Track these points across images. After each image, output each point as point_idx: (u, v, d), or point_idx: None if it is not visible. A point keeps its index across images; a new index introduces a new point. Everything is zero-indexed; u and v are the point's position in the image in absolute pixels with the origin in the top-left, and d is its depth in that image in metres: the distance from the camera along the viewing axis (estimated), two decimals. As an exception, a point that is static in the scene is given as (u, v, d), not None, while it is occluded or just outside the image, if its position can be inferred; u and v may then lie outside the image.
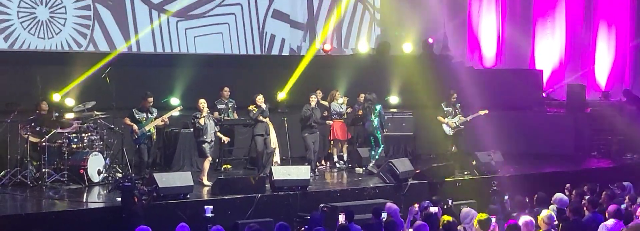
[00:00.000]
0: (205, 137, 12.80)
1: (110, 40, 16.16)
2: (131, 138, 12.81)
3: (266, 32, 18.18)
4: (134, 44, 16.51)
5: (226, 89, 14.58)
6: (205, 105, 12.87)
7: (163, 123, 12.94)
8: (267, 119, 13.72)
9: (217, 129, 13.16)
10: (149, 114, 12.83)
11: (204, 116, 12.75)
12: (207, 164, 12.89)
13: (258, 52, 18.06)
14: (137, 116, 12.73)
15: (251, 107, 13.58)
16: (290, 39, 18.58)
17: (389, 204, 10.71)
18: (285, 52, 18.53)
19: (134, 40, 16.45)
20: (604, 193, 11.21)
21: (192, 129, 13.42)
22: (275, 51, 18.34)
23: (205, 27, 17.34)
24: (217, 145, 13.62)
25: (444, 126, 14.92)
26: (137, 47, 16.58)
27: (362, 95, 15.34)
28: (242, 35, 17.84)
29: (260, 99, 13.58)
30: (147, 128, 12.70)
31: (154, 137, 12.95)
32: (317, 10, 18.98)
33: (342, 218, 9.87)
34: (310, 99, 13.99)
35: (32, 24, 15.34)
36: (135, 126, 12.66)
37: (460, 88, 15.24)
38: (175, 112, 13.16)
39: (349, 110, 15.14)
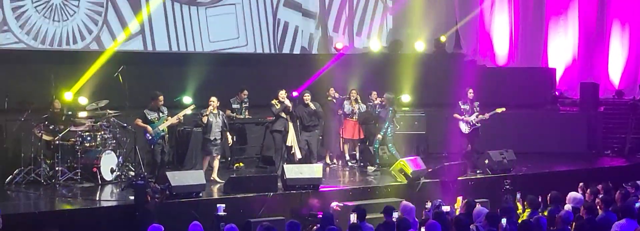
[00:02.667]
0: (207, 135, 12.85)
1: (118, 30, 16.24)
2: (145, 139, 12.72)
3: (279, 20, 18.25)
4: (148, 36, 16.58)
5: (245, 92, 14.63)
6: (214, 104, 12.88)
7: (178, 121, 12.94)
8: (287, 116, 13.76)
9: (226, 128, 13.14)
10: (161, 114, 12.83)
11: (206, 115, 12.77)
12: (206, 163, 12.96)
13: (271, 45, 18.12)
14: (149, 117, 12.68)
15: (274, 101, 13.64)
16: (303, 29, 18.61)
17: (404, 202, 10.69)
18: (296, 50, 18.56)
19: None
20: (618, 191, 11.16)
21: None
22: (287, 47, 18.38)
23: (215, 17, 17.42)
24: (225, 143, 13.65)
25: (461, 124, 14.79)
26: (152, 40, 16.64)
27: (374, 93, 15.32)
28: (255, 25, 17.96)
29: (282, 94, 13.66)
30: (160, 128, 12.69)
31: (167, 136, 12.95)
32: (328, 5, 19.02)
33: (353, 218, 9.86)
34: (304, 97, 13.99)
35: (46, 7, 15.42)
36: (149, 128, 12.59)
37: (473, 87, 15.16)
38: (188, 111, 13.15)
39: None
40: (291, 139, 13.86)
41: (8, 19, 14.96)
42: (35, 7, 15.24)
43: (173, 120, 12.79)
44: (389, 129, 14.30)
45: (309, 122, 14.03)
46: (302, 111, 14.00)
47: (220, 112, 13.07)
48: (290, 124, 13.86)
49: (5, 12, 14.92)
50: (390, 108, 14.40)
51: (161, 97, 12.77)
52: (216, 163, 12.99)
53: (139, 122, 12.68)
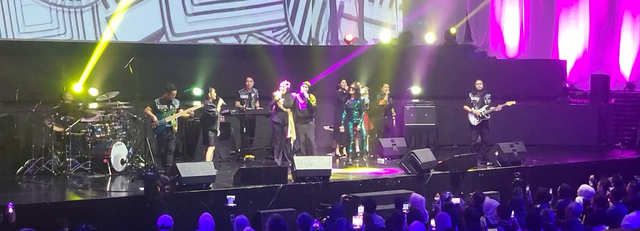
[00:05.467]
0: (214, 126, 13.07)
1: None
2: (151, 127, 12.89)
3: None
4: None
5: (249, 79, 14.61)
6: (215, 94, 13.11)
7: (189, 115, 13.07)
8: (287, 110, 13.74)
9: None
10: (171, 106, 12.89)
11: (220, 105, 12.91)
12: (211, 153, 13.12)
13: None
14: (158, 107, 12.80)
15: (276, 93, 13.69)
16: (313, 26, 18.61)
17: (414, 194, 10.69)
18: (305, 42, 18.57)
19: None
20: (629, 184, 11.13)
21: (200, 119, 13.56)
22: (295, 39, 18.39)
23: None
24: (235, 135, 13.69)
25: (470, 116, 14.71)
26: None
27: (386, 85, 15.32)
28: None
29: (283, 85, 13.66)
30: (167, 120, 12.75)
31: (175, 128, 12.99)
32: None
33: (361, 210, 9.86)
34: (302, 87, 13.95)
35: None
36: (154, 118, 12.72)
37: (483, 78, 15.13)
38: (199, 105, 13.22)
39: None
40: (291, 131, 13.83)
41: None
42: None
43: (182, 113, 12.87)
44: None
45: (304, 113, 13.98)
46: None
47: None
48: (290, 117, 13.82)
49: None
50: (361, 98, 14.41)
51: (174, 91, 12.90)
52: (210, 154, 13.26)
53: (148, 111, 12.82)
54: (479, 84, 14.66)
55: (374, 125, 15.35)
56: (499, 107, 14.58)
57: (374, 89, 15.35)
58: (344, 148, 15.17)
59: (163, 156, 12.81)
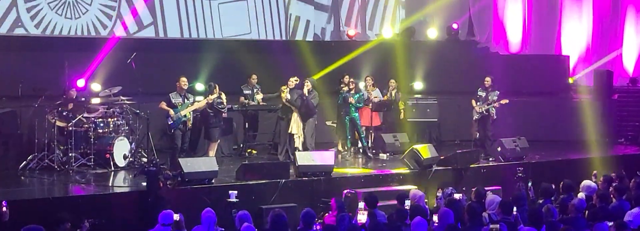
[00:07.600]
0: (221, 122, 13.17)
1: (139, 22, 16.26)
2: (166, 122, 12.85)
3: (291, 15, 18.18)
4: (161, 27, 16.57)
5: (254, 76, 14.64)
6: None
7: (205, 105, 13.11)
8: (289, 105, 13.75)
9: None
10: (186, 99, 12.89)
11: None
12: (215, 148, 13.28)
13: (283, 36, 18.08)
14: (173, 101, 12.80)
15: (283, 88, 13.71)
16: (315, 23, 18.53)
17: (414, 190, 10.68)
18: (309, 37, 18.52)
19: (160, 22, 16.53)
20: (632, 180, 11.11)
21: (203, 115, 13.56)
22: (299, 35, 18.32)
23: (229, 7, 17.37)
24: (238, 130, 13.73)
25: (473, 110, 14.81)
26: (164, 29, 16.63)
27: (392, 81, 15.31)
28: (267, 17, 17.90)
29: (293, 80, 13.67)
30: (182, 113, 12.75)
31: (190, 123, 12.97)
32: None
33: (361, 206, 9.86)
34: (305, 84, 13.91)
35: (59, 4, 15.44)
36: (171, 111, 12.71)
37: (486, 74, 15.11)
38: (214, 96, 13.23)
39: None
40: (293, 126, 13.79)
41: (22, 16, 15.07)
42: (49, 3, 15.34)
43: (199, 105, 12.90)
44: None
45: (303, 111, 13.94)
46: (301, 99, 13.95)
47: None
48: (294, 113, 13.79)
49: (20, 10, 15.03)
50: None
51: (183, 79, 12.85)
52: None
53: (163, 105, 12.82)
54: (487, 82, 14.69)
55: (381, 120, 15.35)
56: (496, 104, 14.60)
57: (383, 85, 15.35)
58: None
59: (174, 153, 12.73)
